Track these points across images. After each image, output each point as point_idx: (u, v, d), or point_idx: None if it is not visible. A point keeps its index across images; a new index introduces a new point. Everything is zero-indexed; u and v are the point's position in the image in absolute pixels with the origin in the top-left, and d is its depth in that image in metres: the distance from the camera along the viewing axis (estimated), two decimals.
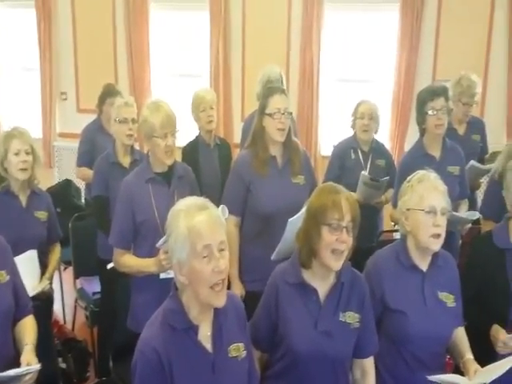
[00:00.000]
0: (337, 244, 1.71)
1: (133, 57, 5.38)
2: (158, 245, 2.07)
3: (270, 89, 2.70)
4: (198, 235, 1.47)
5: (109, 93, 3.79)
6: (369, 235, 3.29)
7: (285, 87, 3.69)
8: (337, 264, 1.73)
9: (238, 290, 2.61)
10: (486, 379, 1.78)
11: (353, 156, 3.38)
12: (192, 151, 3.33)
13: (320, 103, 5.09)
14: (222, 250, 1.51)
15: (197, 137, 3.46)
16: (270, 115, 2.55)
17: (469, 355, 1.92)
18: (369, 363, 1.87)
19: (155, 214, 2.27)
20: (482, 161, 3.62)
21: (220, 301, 1.51)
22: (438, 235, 1.89)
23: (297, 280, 1.80)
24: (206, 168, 3.30)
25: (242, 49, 5.19)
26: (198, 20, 5.29)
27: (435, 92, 2.89)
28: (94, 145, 3.74)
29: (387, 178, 3.11)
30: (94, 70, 5.51)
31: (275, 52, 5.03)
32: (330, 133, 5.08)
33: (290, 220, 2.21)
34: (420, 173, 2.02)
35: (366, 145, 3.40)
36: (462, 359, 1.92)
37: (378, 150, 3.44)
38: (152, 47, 5.39)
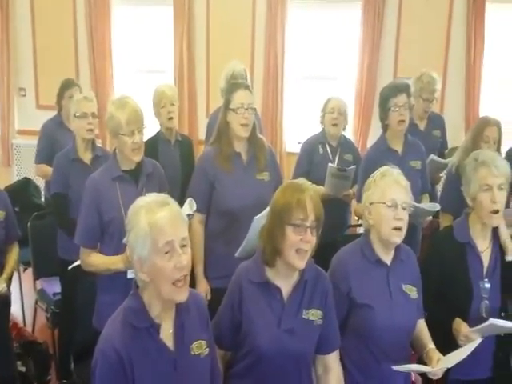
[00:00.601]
0: (301, 244, 1.71)
1: (94, 52, 5.26)
2: (124, 241, 2.03)
3: (234, 84, 2.69)
4: (160, 231, 1.45)
5: (67, 86, 3.71)
6: (338, 230, 3.33)
7: (249, 83, 3.69)
8: (301, 263, 1.73)
9: (204, 287, 2.59)
10: (446, 366, 1.83)
11: (321, 151, 3.41)
12: (152, 147, 3.23)
13: (285, 100, 5.11)
14: (184, 245, 1.49)
15: (157, 133, 3.39)
16: (233, 110, 2.53)
17: (431, 345, 1.95)
18: (331, 359, 1.88)
19: (122, 212, 2.20)
20: (441, 155, 3.72)
21: (182, 296, 1.49)
22: (399, 228, 1.92)
23: (260, 279, 1.79)
24: (166, 165, 3.16)
25: (207, 45, 5.15)
26: (161, 15, 5.22)
27: (398, 89, 2.94)
28: (53, 141, 3.64)
29: (354, 167, 3.15)
30: (54, 65, 5.34)
31: (240, 48, 5.01)
32: (295, 129, 5.11)
33: (255, 218, 2.20)
34: (383, 168, 2.05)
35: (335, 140, 3.43)
36: (424, 350, 1.96)
37: (345, 145, 3.48)
38: (114, 42, 5.28)
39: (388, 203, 1.92)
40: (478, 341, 1.89)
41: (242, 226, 2.33)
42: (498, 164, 2.07)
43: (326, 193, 3.17)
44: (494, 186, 2.04)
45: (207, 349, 1.60)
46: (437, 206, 2.84)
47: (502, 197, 2.05)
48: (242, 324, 1.79)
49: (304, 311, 1.79)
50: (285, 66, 5.05)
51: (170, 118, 3.32)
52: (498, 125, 2.93)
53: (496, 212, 2.05)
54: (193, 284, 2.62)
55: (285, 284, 1.80)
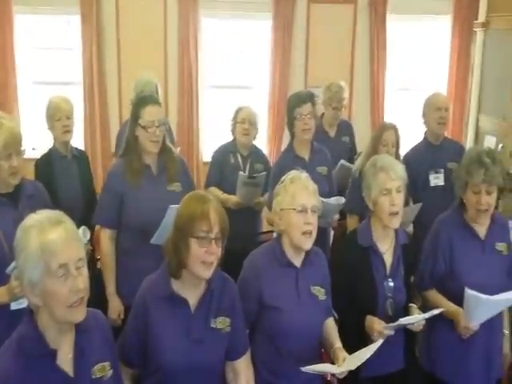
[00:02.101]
0: (206, 256, 1.70)
1: None
2: (7, 270, 1.91)
3: (143, 99, 2.63)
4: (53, 253, 1.36)
5: None
6: (250, 237, 3.36)
7: (160, 95, 3.67)
8: (206, 273, 1.73)
9: (116, 306, 2.53)
10: (353, 365, 1.89)
11: (232, 160, 3.42)
12: (46, 164, 3.07)
13: (200, 110, 5.11)
14: (80, 267, 1.41)
15: (50, 149, 3.18)
16: (143, 127, 2.48)
17: (338, 344, 2.02)
18: (240, 364, 1.89)
19: (1, 239, 2.06)
20: (351, 160, 3.87)
21: (78, 316, 1.42)
22: (310, 232, 1.97)
23: (166, 292, 1.76)
24: (63, 182, 3.06)
25: (118, 55, 5.03)
26: (68, 25, 5.05)
27: (302, 99, 3.03)
28: None
29: (264, 173, 3.20)
30: None
31: (152, 59, 4.95)
32: (212, 139, 5.12)
33: (170, 206, 2.16)
34: (292, 173, 2.09)
35: (246, 149, 3.46)
36: (332, 348, 2.02)
37: (256, 154, 3.52)
38: (17, 53, 4.99)
39: (298, 208, 1.96)
40: (381, 341, 1.98)
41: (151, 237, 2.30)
42: (395, 168, 2.18)
43: (238, 201, 3.20)
44: (392, 189, 2.15)
45: (111, 370, 1.54)
46: (342, 199, 2.94)
47: (399, 199, 2.16)
48: (148, 340, 1.75)
49: (212, 320, 1.79)
50: (199, 76, 5.06)
51: (66, 132, 3.13)
52: (394, 128, 3.11)
53: (395, 213, 2.16)
54: (105, 302, 2.57)
55: (192, 295, 1.78)
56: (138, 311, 1.79)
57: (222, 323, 1.80)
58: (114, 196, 2.52)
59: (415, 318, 2.10)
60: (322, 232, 3.01)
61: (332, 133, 3.91)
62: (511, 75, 4.14)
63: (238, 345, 1.88)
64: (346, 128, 4.01)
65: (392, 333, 2.06)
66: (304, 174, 2.08)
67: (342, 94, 3.83)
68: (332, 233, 3.41)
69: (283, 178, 2.10)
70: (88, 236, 2.26)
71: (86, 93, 4.94)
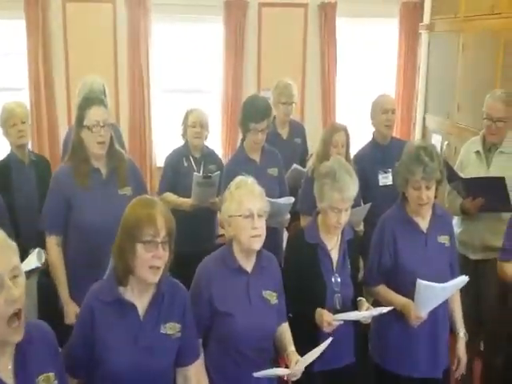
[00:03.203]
0: (153, 260, 1.68)
1: None
2: None
3: (87, 100, 2.58)
4: None
5: None
6: (208, 240, 3.35)
7: (108, 98, 3.61)
8: (154, 278, 1.71)
9: (72, 310, 2.47)
10: (303, 365, 1.93)
11: (185, 164, 3.41)
12: (3, 171, 3.02)
13: (152, 114, 5.06)
14: (16, 276, 1.35)
15: (8, 155, 3.14)
16: (88, 128, 2.45)
17: (291, 348, 2.04)
18: (191, 370, 1.88)
19: None
20: (303, 162, 3.93)
21: (17, 336, 1.37)
22: (258, 236, 1.98)
23: (113, 297, 1.73)
24: (20, 188, 3.01)
25: (65, 60, 4.92)
26: (12, 29, 4.90)
27: (259, 115, 2.98)
28: None
29: (218, 172, 3.19)
30: None
31: (101, 63, 4.86)
32: (166, 144, 5.07)
33: None
34: (237, 179, 2.11)
35: (198, 151, 3.45)
36: (285, 352, 2.04)
37: (209, 155, 3.52)
38: None
39: (245, 214, 1.97)
40: (329, 340, 2.02)
41: (104, 243, 2.25)
42: (350, 188, 2.22)
43: (194, 203, 3.20)
44: (342, 210, 2.21)
45: (56, 381, 1.49)
46: (291, 199, 2.97)
47: (346, 217, 2.23)
48: (95, 348, 1.72)
49: (162, 326, 1.77)
50: (151, 80, 5.01)
51: (21, 137, 3.09)
52: (344, 129, 3.16)
53: (339, 227, 2.25)
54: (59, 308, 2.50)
55: (140, 300, 1.76)
56: (84, 318, 1.75)
57: (171, 329, 1.78)
58: (60, 201, 2.47)
59: (362, 314, 2.16)
60: (274, 233, 3.07)
61: (284, 134, 3.94)
62: (455, 76, 4.30)
63: (189, 351, 1.86)
64: (298, 129, 4.05)
65: (341, 323, 2.11)
66: (250, 179, 2.09)
67: (290, 89, 3.85)
68: (286, 234, 3.44)
69: (229, 184, 2.11)
70: (43, 259, 2.20)
71: (32, 98, 4.80)
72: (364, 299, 2.30)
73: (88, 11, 4.90)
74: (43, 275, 2.76)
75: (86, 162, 2.49)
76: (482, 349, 3.20)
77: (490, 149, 3.00)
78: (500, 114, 2.89)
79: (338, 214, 2.20)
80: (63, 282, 2.49)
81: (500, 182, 2.76)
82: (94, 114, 2.46)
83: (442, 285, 2.11)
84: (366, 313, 2.16)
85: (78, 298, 2.41)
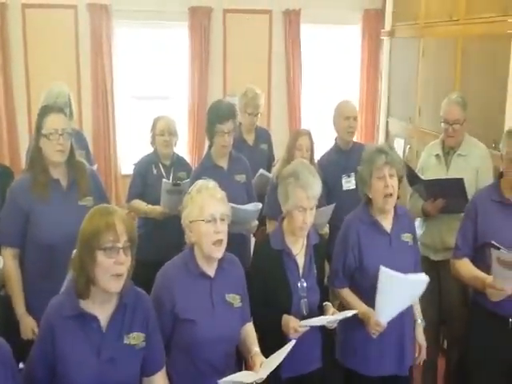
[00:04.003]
0: (115, 268, 1.65)
1: None
2: None
3: (45, 108, 2.53)
4: None
5: None
6: (178, 248, 3.30)
7: (73, 106, 3.55)
8: (117, 286, 1.68)
9: (29, 324, 2.40)
10: (270, 368, 1.91)
11: (155, 171, 3.37)
12: None
13: (117, 121, 5.00)
14: None
15: None
16: (46, 136, 2.39)
17: (255, 349, 2.03)
18: (155, 379, 1.85)
19: None
20: (270, 167, 3.93)
21: None
22: (220, 241, 1.97)
23: (74, 311, 1.69)
24: None
25: (25, 68, 4.82)
26: None
27: (224, 116, 2.98)
28: None
29: (188, 180, 3.17)
30: None
31: (63, 70, 4.78)
32: (132, 151, 5.01)
33: None
34: (198, 183, 2.08)
35: (167, 159, 3.42)
36: (250, 354, 2.03)
37: (178, 162, 3.48)
38: None
39: (207, 219, 1.96)
40: (294, 341, 2.02)
41: (64, 256, 2.20)
42: (313, 187, 2.24)
43: (163, 211, 3.16)
44: (307, 208, 2.22)
45: None
46: (259, 205, 2.97)
47: (311, 217, 2.25)
48: (57, 365, 1.67)
49: (125, 336, 1.74)
50: (115, 86, 4.96)
51: None
52: (308, 134, 3.20)
53: (305, 228, 2.25)
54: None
55: (102, 312, 1.72)
56: (43, 335, 1.70)
57: (135, 339, 1.75)
58: (17, 212, 2.40)
59: (327, 319, 2.17)
60: (241, 239, 3.07)
61: (250, 141, 3.94)
62: (416, 80, 4.40)
63: (154, 360, 1.83)
64: (264, 135, 4.06)
65: (307, 329, 2.11)
66: (211, 183, 2.08)
67: (257, 100, 3.86)
68: (253, 239, 3.44)
69: (190, 188, 2.08)
70: (1, 264, 2.14)
71: None
72: (330, 304, 2.32)
73: (49, 17, 4.81)
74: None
75: (44, 173, 2.42)
76: (445, 347, 3.27)
77: (448, 152, 3.08)
78: (456, 117, 2.97)
79: (304, 214, 2.20)
80: (18, 296, 2.42)
81: (459, 183, 2.84)
82: (53, 122, 2.40)
83: (404, 276, 2.14)
84: (331, 317, 2.17)
85: (37, 312, 2.34)
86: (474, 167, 2.97)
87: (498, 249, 2.12)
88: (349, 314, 2.18)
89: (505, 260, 2.08)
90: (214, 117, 3.03)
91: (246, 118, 3.87)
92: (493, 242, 2.16)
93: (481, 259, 2.35)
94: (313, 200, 2.23)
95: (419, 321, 2.42)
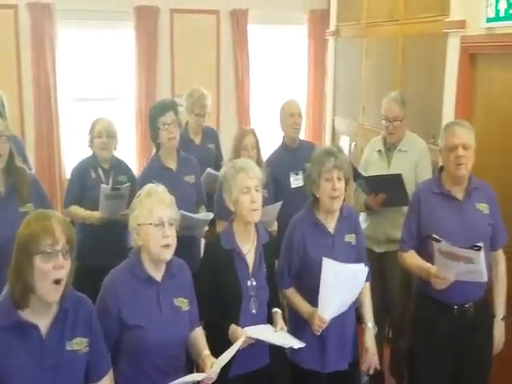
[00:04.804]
0: (54, 273, 1.61)
1: None
2: None
3: None
4: None
5: None
6: (120, 253, 3.25)
7: (7, 110, 3.43)
8: (56, 294, 1.63)
9: None
10: (218, 366, 1.93)
11: (93, 175, 3.27)
12: None
13: (61, 124, 4.87)
14: None
15: None
16: None
17: (206, 351, 2.03)
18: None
19: None
20: (218, 167, 3.93)
21: None
22: (168, 245, 1.96)
23: (11, 320, 1.63)
24: None
25: None
26: None
27: (164, 107, 3.00)
28: None
29: (128, 184, 3.11)
30: None
31: (3, 71, 4.62)
32: (76, 154, 4.88)
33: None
34: (147, 187, 2.07)
35: (106, 162, 3.33)
36: (200, 357, 2.03)
37: (118, 166, 3.39)
38: None
39: (155, 222, 1.95)
40: (242, 339, 2.04)
41: (6, 265, 2.12)
42: (253, 168, 2.28)
43: (102, 216, 3.09)
44: (251, 187, 2.23)
45: None
46: (210, 215, 2.97)
47: (258, 197, 2.25)
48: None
49: (68, 342, 1.70)
50: (58, 89, 4.82)
51: None
52: (253, 132, 3.23)
53: (255, 210, 2.24)
54: None
55: (42, 319, 1.67)
56: None
57: (78, 344, 1.71)
58: None
59: (274, 341, 2.17)
60: (189, 240, 3.05)
61: (197, 140, 3.92)
62: (359, 79, 4.51)
63: (99, 365, 1.80)
64: (211, 135, 4.05)
65: (243, 339, 2.09)
66: (161, 187, 2.06)
67: (204, 100, 3.85)
68: (203, 240, 3.43)
69: (139, 192, 2.07)
70: None
71: None
72: (279, 311, 2.33)
73: None
74: None
75: None
76: (390, 336, 3.38)
77: (390, 148, 3.18)
78: (395, 114, 3.08)
79: (250, 194, 2.21)
80: None
81: (397, 178, 2.94)
82: None
83: (346, 265, 2.21)
84: (277, 341, 2.18)
85: None
86: (413, 162, 3.08)
87: (439, 241, 2.20)
88: (295, 346, 2.18)
89: (446, 251, 2.17)
90: (154, 112, 3.03)
91: (192, 119, 3.85)
92: (433, 235, 2.24)
93: (425, 250, 2.42)
94: (255, 180, 2.24)
95: (370, 325, 2.44)
